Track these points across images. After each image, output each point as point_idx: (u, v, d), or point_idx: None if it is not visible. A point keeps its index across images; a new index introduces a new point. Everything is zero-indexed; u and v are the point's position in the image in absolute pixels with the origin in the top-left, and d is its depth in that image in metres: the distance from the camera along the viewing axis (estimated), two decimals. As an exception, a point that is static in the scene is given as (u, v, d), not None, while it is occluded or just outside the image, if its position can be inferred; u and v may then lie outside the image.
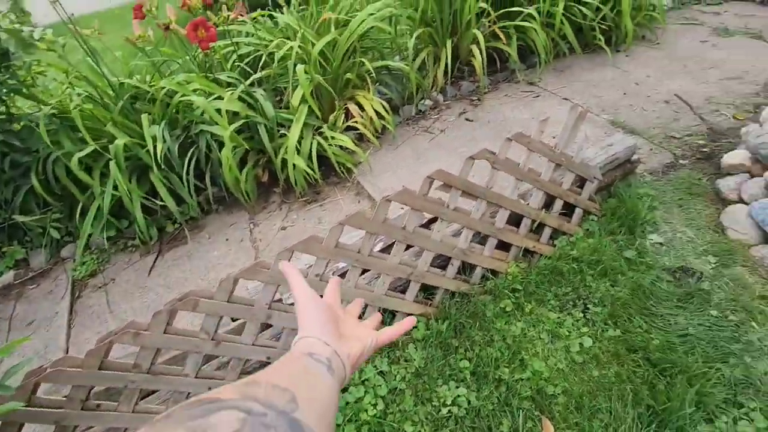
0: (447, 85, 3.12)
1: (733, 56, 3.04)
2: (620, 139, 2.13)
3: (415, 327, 1.75)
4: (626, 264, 1.86)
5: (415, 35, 2.77)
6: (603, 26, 3.18)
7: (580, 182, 2.03)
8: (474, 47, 2.89)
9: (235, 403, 0.32)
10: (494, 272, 1.87)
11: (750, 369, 1.52)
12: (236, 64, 2.34)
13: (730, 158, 2.12)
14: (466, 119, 2.93)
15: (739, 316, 1.66)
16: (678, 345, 1.58)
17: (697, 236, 1.96)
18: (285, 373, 0.40)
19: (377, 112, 2.60)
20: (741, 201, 1.99)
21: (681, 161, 2.36)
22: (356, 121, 2.60)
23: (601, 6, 3.07)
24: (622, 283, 1.79)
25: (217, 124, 2.07)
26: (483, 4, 2.93)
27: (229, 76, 2.26)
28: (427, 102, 3.06)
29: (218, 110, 2.07)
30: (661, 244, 1.96)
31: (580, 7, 3.07)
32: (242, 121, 2.17)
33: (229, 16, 2.06)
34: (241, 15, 2.06)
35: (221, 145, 2.14)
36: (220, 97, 2.11)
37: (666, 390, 1.46)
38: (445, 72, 2.91)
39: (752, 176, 2.00)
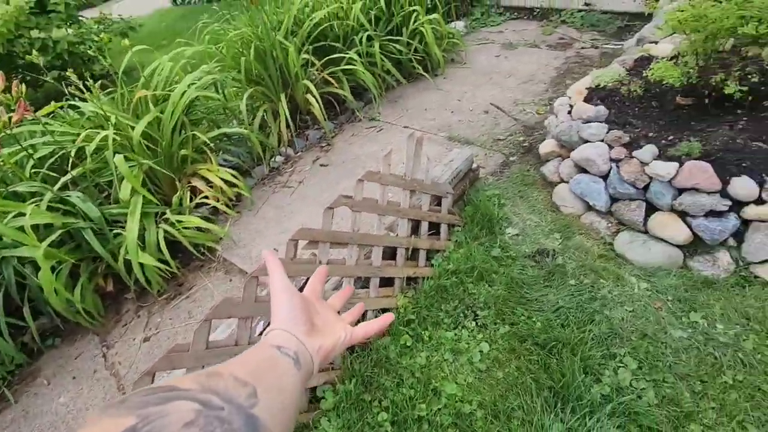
0: (294, 137, 3.12)
1: (522, 64, 3.66)
2: (458, 154, 2.35)
3: (330, 387, 1.63)
4: (496, 262, 2.02)
5: (246, 96, 2.72)
6: (418, 57, 3.55)
7: (437, 200, 2.18)
8: (309, 96, 2.96)
9: (192, 394, 0.31)
10: (386, 311, 1.86)
11: (611, 321, 1.75)
12: (35, 170, 1.98)
13: (543, 148, 2.50)
14: (321, 165, 2.96)
15: (590, 278, 1.92)
16: (555, 321, 1.75)
17: (541, 219, 2.24)
18: (250, 366, 0.40)
19: (227, 181, 2.46)
20: (562, 181, 2.34)
21: (511, 158, 2.70)
22: (206, 196, 2.42)
23: (410, 41, 3.43)
24: (497, 281, 1.93)
25: (24, 244, 1.70)
26: (306, 56, 3.04)
27: (30, 186, 1.90)
28: (279, 158, 3.01)
29: (21, 228, 1.71)
30: (517, 234, 2.19)
31: (394, 45, 3.40)
32: (60, 232, 1.83)
33: (11, 118, 1.74)
34: (27, 113, 1.75)
35: (38, 267, 1.76)
36: (21, 213, 1.75)
37: (558, 367, 1.59)
38: (288, 125, 2.91)
39: (563, 159, 2.38)
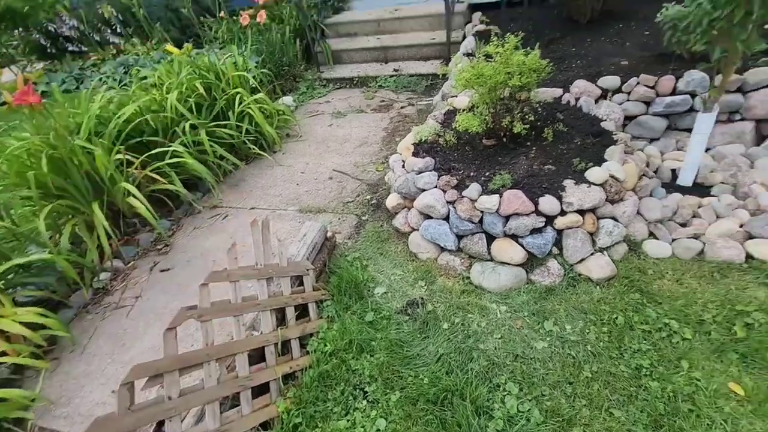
0: (120, 247, 2.69)
1: (354, 129, 3.91)
2: (311, 226, 2.31)
3: None
4: (372, 328, 1.97)
5: (44, 215, 2.25)
6: (252, 138, 3.51)
7: (299, 280, 2.06)
8: (132, 199, 2.62)
9: None
10: (266, 425, 1.62)
11: (487, 353, 1.82)
12: None
13: (390, 202, 2.63)
14: (162, 270, 2.59)
15: (460, 316, 2.00)
16: (440, 371, 1.75)
17: (404, 271, 2.30)
18: None
19: (31, 325, 1.94)
20: (413, 229, 2.47)
21: (363, 218, 2.77)
22: (4, 352, 1.86)
23: (239, 124, 3.38)
24: (377, 348, 1.87)
25: None
26: (120, 156, 2.72)
27: None
28: (104, 275, 2.54)
29: None
30: (386, 292, 2.19)
31: (223, 129, 3.30)
32: None
33: None
34: None
35: None
36: None
37: (454, 419, 1.56)
38: (109, 235, 2.50)
39: (409, 209, 2.53)
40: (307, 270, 2.05)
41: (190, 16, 3.74)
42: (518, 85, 2.37)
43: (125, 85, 3.74)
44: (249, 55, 4.19)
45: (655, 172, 2.59)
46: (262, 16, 4.82)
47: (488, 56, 2.52)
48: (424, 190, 2.36)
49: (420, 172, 2.43)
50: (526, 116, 2.52)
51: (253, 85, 3.76)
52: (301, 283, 2.05)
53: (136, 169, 2.79)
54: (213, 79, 3.46)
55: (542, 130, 2.56)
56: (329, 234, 2.43)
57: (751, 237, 2.06)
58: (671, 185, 2.51)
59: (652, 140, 2.90)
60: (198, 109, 3.31)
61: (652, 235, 2.21)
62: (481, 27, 4.47)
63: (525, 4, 3.85)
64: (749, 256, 2.00)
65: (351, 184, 3.13)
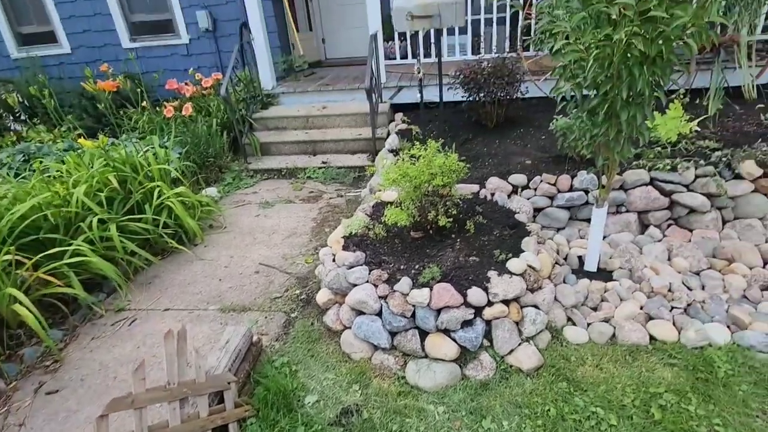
0: (1, 363, 2.24)
1: (282, 220, 3.87)
2: (235, 331, 2.12)
3: None
4: (303, 447, 1.77)
5: None
6: (170, 231, 3.30)
7: (219, 396, 1.83)
8: (18, 307, 2.25)
9: None
10: None
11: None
12: None
13: (320, 298, 2.54)
14: (48, 393, 2.16)
15: (397, 422, 1.88)
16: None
17: (337, 374, 2.16)
18: None
19: None
20: (345, 327, 2.38)
21: (292, 315, 2.63)
22: None
23: (156, 217, 3.18)
24: (309, 472, 1.66)
25: None
26: (8, 257, 2.37)
27: None
28: (-34, 406, 2.05)
29: None
30: (317, 401, 2.02)
31: (137, 223, 3.07)
32: None
33: None
34: None
35: None
36: None
37: None
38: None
39: (341, 305, 2.46)
40: (229, 383, 1.84)
41: (108, 104, 3.63)
42: (440, 184, 2.57)
43: (24, 177, 3.41)
44: (172, 146, 4.11)
45: (565, 259, 2.85)
46: (188, 109, 4.86)
47: (413, 156, 2.73)
48: (355, 285, 2.34)
49: (351, 267, 2.42)
50: (450, 210, 2.69)
51: (175, 177, 3.64)
52: (222, 400, 1.82)
53: (27, 270, 2.44)
54: (129, 171, 3.29)
55: (464, 222, 2.74)
56: (255, 338, 2.25)
57: (650, 318, 2.29)
58: (580, 271, 2.76)
59: (558, 229, 3.22)
60: (110, 203, 3.08)
61: (570, 320, 2.36)
62: (403, 126, 4.90)
63: (440, 107, 4.34)
64: (652, 337, 2.19)
65: (279, 277, 3.01)
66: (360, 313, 2.31)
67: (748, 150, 3.08)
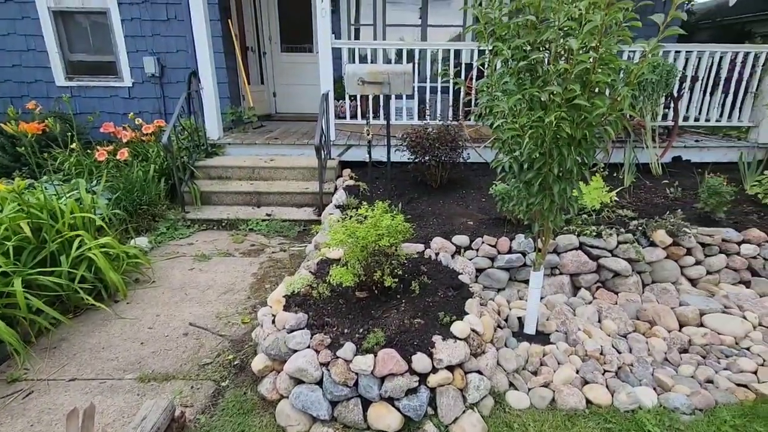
0: None
1: (219, 274, 3.64)
2: (153, 407, 1.88)
3: None
4: None
5: None
6: (88, 286, 2.96)
7: (126, 488, 1.57)
8: None
9: None
10: None
11: None
12: None
13: (256, 365, 2.35)
14: None
15: None
16: None
17: (270, 453, 1.96)
18: None
19: None
20: (282, 397, 2.20)
21: (223, 384, 2.39)
22: None
23: (73, 270, 2.86)
24: None
25: None
26: None
27: None
28: None
29: None
30: (246, 487, 1.80)
31: (49, 278, 2.73)
32: None
33: None
34: None
35: None
36: None
37: None
38: None
39: (278, 373, 2.28)
40: (141, 471, 1.59)
41: (29, 145, 3.31)
42: (387, 245, 2.58)
43: None
44: (101, 191, 3.82)
45: (506, 320, 2.91)
46: (124, 154, 4.60)
47: (360, 216, 2.74)
48: (295, 351, 2.20)
49: (292, 330, 2.29)
50: (395, 270, 2.69)
51: (100, 225, 3.34)
52: (129, 493, 1.56)
53: None
54: (47, 218, 2.98)
55: (410, 283, 2.74)
56: (177, 412, 2.00)
57: (586, 382, 2.35)
58: (520, 333, 2.82)
59: (499, 290, 3.32)
60: (19, 253, 2.74)
61: (512, 385, 2.36)
62: (351, 182, 4.97)
63: (388, 167, 4.48)
64: (588, 401, 2.24)
65: (211, 340, 2.77)
66: (299, 381, 2.15)
67: (659, 220, 3.45)
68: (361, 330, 2.30)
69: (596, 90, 2.07)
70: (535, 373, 2.45)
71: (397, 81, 3.72)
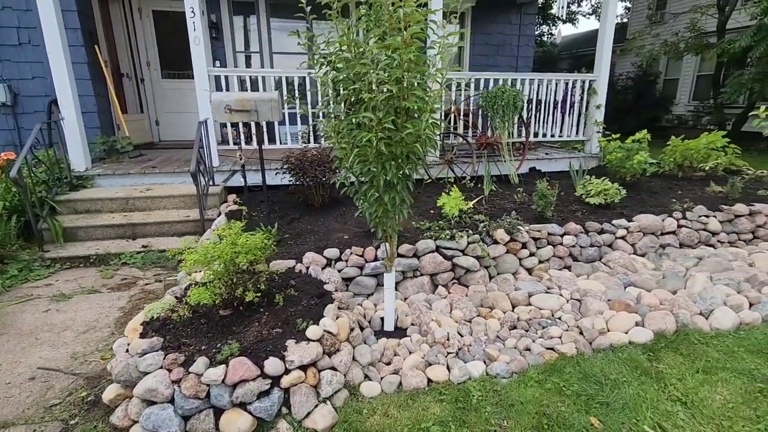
0: None
1: (80, 313, 3.43)
2: (-28, 451, 1.78)
3: None
4: None
5: None
6: None
7: None
8: None
9: None
10: None
11: None
12: None
13: (107, 395, 2.31)
14: None
15: None
16: None
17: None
18: None
19: None
20: (134, 422, 2.19)
21: (72, 422, 2.30)
22: None
23: None
24: None
25: None
26: None
27: None
28: None
29: None
30: None
31: None
32: None
33: None
34: None
35: None
36: None
37: None
38: None
39: (131, 399, 2.27)
40: None
41: None
42: (245, 261, 2.72)
43: None
44: (-70, 235, 3.40)
45: (369, 322, 3.19)
46: (-36, 192, 4.13)
47: (219, 236, 2.84)
48: (147, 373, 2.22)
49: (144, 354, 2.30)
50: (259, 285, 2.83)
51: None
52: None
53: None
54: None
55: (274, 296, 2.89)
56: (7, 455, 1.90)
57: (429, 364, 2.70)
58: (381, 332, 3.12)
59: (368, 295, 3.61)
60: None
61: (366, 377, 2.62)
62: (234, 207, 5.00)
63: (264, 189, 4.59)
64: (429, 380, 2.58)
65: (63, 381, 2.63)
66: (151, 403, 2.17)
67: (500, 221, 4.06)
68: (218, 345, 2.39)
69: (416, 115, 2.48)
70: (388, 364, 2.74)
71: (264, 108, 3.93)
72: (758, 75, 10.17)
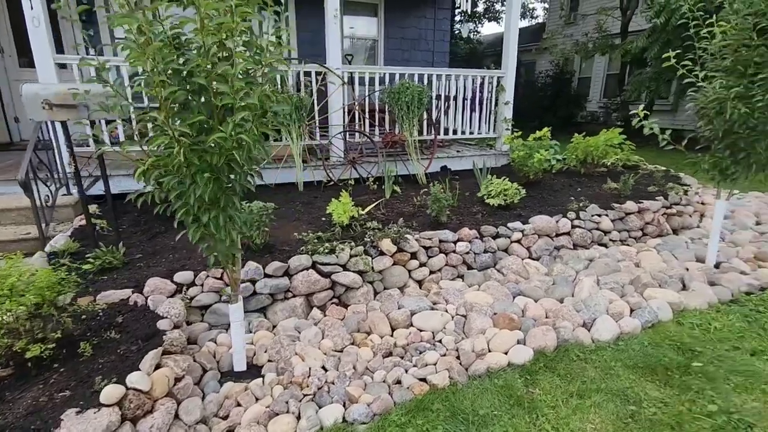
0: None
1: None
2: None
3: None
4: None
5: None
6: None
7: None
8: None
9: None
10: None
11: None
12: None
13: None
14: None
15: None
16: None
17: None
18: None
19: None
20: None
21: None
22: None
23: None
24: None
25: None
26: None
27: None
28: None
29: None
30: None
31: None
32: None
33: None
34: None
35: None
36: None
37: None
38: None
39: None
40: None
41: None
42: (34, 303, 2.09)
43: None
44: None
45: (218, 362, 2.67)
46: None
47: None
48: None
49: None
50: (54, 334, 2.20)
51: None
52: None
53: None
54: None
55: (78, 345, 2.28)
56: None
57: (275, 415, 2.24)
58: (230, 373, 2.61)
59: (228, 327, 3.08)
60: None
61: (191, 440, 2.11)
62: (84, 222, 4.20)
63: (108, 199, 3.88)
64: (269, 439, 2.12)
65: None
66: None
67: (386, 230, 3.69)
68: (-36, 427, 1.76)
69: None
70: (225, 418, 2.25)
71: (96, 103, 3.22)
72: (654, 74, 10.85)
